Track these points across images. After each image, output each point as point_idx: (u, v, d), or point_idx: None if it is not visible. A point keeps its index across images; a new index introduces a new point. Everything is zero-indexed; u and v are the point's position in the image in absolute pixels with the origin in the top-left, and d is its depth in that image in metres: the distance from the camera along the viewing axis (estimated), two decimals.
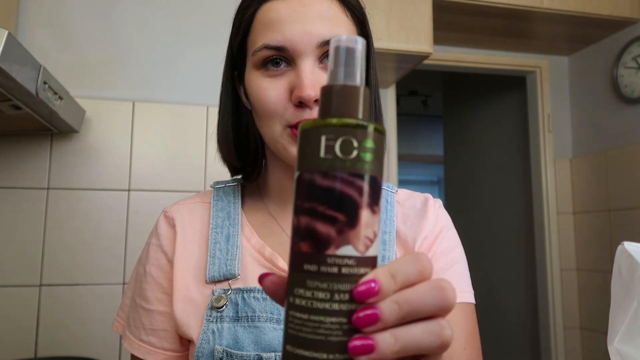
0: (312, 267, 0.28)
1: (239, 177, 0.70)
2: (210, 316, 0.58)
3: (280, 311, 0.57)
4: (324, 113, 0.30)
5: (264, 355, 0.55)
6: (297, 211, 0.29)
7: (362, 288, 0.27)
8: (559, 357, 2.41)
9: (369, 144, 0.29)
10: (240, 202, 0.67)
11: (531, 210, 2.62)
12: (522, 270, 2.73)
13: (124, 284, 1.61)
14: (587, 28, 2.26)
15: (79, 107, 1.55)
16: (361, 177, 0.28)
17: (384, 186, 0.68)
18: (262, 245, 0.63)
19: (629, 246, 0.51)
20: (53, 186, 1.61)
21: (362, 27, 0.63)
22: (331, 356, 0.27)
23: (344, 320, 0.28)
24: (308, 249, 0.28)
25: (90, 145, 1.65)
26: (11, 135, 1.59)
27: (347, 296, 0.28)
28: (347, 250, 0.28)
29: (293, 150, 0.57)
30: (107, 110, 1.68)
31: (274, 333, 0.56)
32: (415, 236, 0.64)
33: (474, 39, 2.37)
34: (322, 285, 0.28)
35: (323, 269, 0.28)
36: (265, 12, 0.58)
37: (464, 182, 3.34)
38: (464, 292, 0.62)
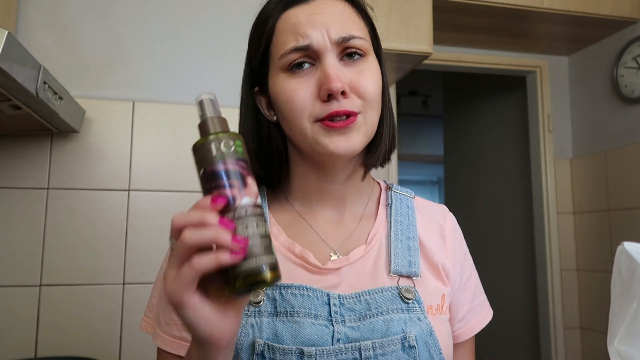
0: (229, 215, 0.45)
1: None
2: (248, 310, 0.60)
3: (317, 307, 0.60)
4: (206, 133, 0.47)
5: (305, 349, 0.57)
6: (210, 189, 0.45)
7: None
8: (559, 357, 2.41)
9: (238, 141, 0.47)
10: (267, 203, 0.70)
11: (531, 210, 2.62)
12: (522, 270, 2.73)
13: (124, 284, 1.61)
14: (587, 28, 2.26)
15: (79, 107, 1.55)
16: (240, 159, 0.46)
17: (403, 191, 0.75)
18: (291, 243, 0.66)
19: (629, 246, 0.51)
20: (53, 186, 1.61)
21: (372, 27, 0.68)
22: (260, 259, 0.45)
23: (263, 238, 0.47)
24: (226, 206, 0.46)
25: (90, 145, 1.65)
26: (11, 135, 1.59)
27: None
28: (246, 200, 0.45)
29: (326, 142, 0.61)
30: (107, 110, 1.68)
31: (312, 328, 0.59)
32: (438, 249, 0.70)
33: (474, 39, 2.37)
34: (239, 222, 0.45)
35: (237, 214, 0.45)
36: (285, 20, 0.63)
37: (464, 182, 3.34)
38: (488, 306, 0.77)
